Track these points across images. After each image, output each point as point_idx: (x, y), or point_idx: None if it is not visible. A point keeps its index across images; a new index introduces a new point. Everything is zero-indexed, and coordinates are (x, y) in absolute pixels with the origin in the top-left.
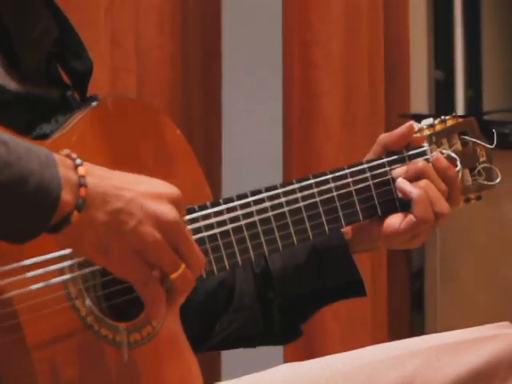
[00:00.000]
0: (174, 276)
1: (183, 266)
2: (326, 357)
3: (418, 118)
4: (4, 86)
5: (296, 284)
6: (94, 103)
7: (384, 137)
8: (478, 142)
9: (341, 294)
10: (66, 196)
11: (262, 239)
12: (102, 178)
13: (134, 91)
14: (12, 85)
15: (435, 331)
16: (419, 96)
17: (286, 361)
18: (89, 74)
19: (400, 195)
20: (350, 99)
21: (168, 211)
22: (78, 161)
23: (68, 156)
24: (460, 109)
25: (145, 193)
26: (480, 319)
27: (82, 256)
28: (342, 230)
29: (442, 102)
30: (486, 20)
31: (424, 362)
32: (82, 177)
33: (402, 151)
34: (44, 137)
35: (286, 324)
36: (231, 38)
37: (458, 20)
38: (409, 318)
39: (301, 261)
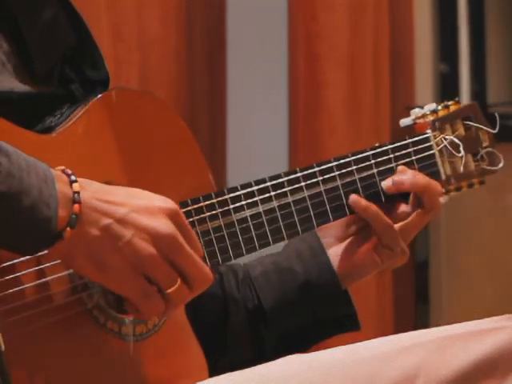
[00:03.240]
0: (169, 291)
1: (179, 280)
2: (330, 349)
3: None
4: (12, 89)
5: (290, 322)
6: (99, 95)
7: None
8: (481, 126)
9: (335, 330)
10: (61, 212)
11: (267, 229)
12: (97, 193)
13: (137, 85)
14: (21, 87)
15: (440, 323)
16: (424, 89)
17: None
18: (105, 84)
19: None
20: (355, 91)
21: (162, 225)
22: (73, 177)
23: (63, 172)
24: (464, 101)
25: (139, 208)
26: (485, 310)
27: (77, 272)
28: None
29: (446, 95)
30: (490, 13)
31: (428, 354)
32: (77, 193)
33: (405, 138)
34: (49, 130)
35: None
36: (236, 30)
37: (462, 12)
38: (414, 309)
39: (293, 299)
